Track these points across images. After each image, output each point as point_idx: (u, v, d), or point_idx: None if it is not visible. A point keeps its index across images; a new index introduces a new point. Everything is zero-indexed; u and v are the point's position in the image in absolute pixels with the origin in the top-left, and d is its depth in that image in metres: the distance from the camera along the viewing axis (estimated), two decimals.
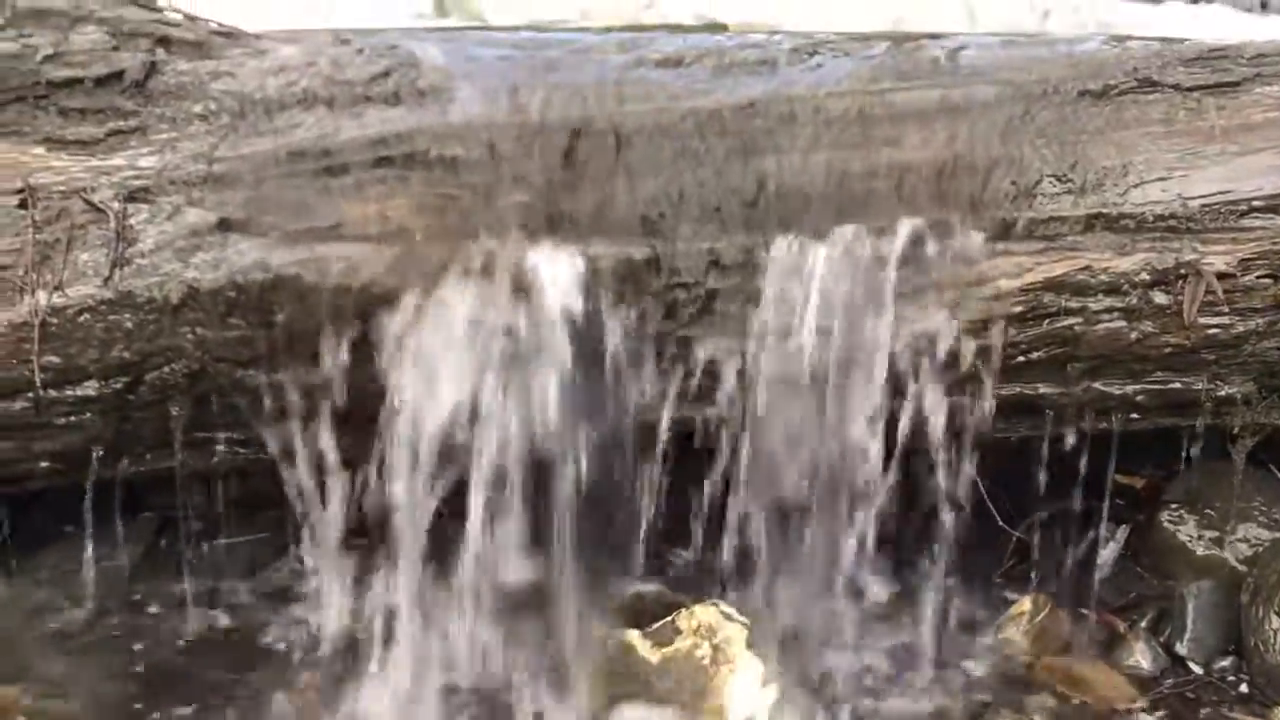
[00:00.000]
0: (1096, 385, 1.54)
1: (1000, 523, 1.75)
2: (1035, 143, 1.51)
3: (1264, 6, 3.00)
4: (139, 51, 1.69)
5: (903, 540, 1.67)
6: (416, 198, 1.55)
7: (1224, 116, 1.50)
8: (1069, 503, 1.71)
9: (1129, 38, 1.63)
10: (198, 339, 1.52)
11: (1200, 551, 1.73)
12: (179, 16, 1.84)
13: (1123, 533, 1.80)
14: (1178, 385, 1.54)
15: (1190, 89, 1.53)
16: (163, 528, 1.91)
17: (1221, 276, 1.45)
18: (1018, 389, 1.55)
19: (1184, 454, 1.64)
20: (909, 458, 1.56)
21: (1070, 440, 1.62)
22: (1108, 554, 1.78)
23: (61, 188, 1.58)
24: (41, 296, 1.51)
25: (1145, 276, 1.46)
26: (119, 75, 1.66)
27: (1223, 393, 1.54)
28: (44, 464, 1.64)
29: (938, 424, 1.51)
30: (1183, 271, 1.45)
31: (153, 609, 1.78)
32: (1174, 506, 1.79)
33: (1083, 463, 1.64)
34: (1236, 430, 1.58)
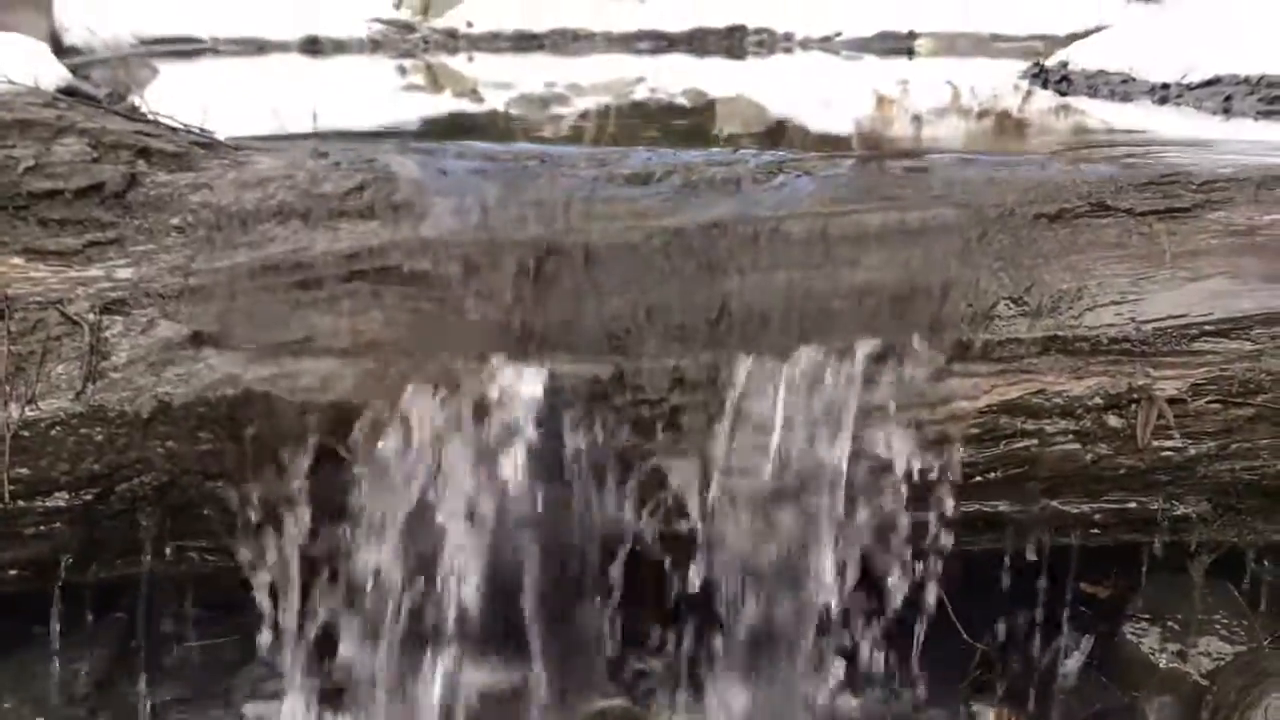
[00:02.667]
0: (1054, 504, 1.56)
1: (965, 635, 1.76)
2: (992, 265, 1.54)
3: (1227, 111, 3.07)
4: (119, 164, 1.73)
5: (866, 652, 1.67)
6: (388, 312, 1.58)
7: (1175, 242, 1.54)
8: (1033, 612, 1.72)
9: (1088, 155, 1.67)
10: (168, 452, 1.54)
11: (1164, 664, 1.74)
12: (161, 127, 1.89)
13: (1087, 643, 1.81)
14: (1134, 505, 1.56)
15: (1143, 214, 1.57)
16: (132, 630, 1.91)
17: (1173, 402, 1.47)
18: (977, 506, 1.57)
19: (1143, 569, 1.66)
20: (870, 572, 1.58)
21: (1032, 552, 1.64)
22: (1072, 665, 1.79)
23: (39, 299, 1.61)
24: (14, 409, 1.53)
25: (1099, 400, 1.48)
26: (99, 187, 1.69)
27: (1179, 512, 1.56)
28: (12, 571, 1.65)
29: (898, 540, 1.53)
30: (1135, 396, 1.47)
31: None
32: (1137, 618, 1.80)
33: (1046, 573, 1.66)
34: (1194, 548, 1.60)
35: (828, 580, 1.52)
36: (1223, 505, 1.57)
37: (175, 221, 1.68)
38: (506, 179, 1.74)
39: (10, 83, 1.91)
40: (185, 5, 8.13)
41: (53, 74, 2.07)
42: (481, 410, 1.51)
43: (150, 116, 1.94)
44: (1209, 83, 3.25)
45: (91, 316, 1.59)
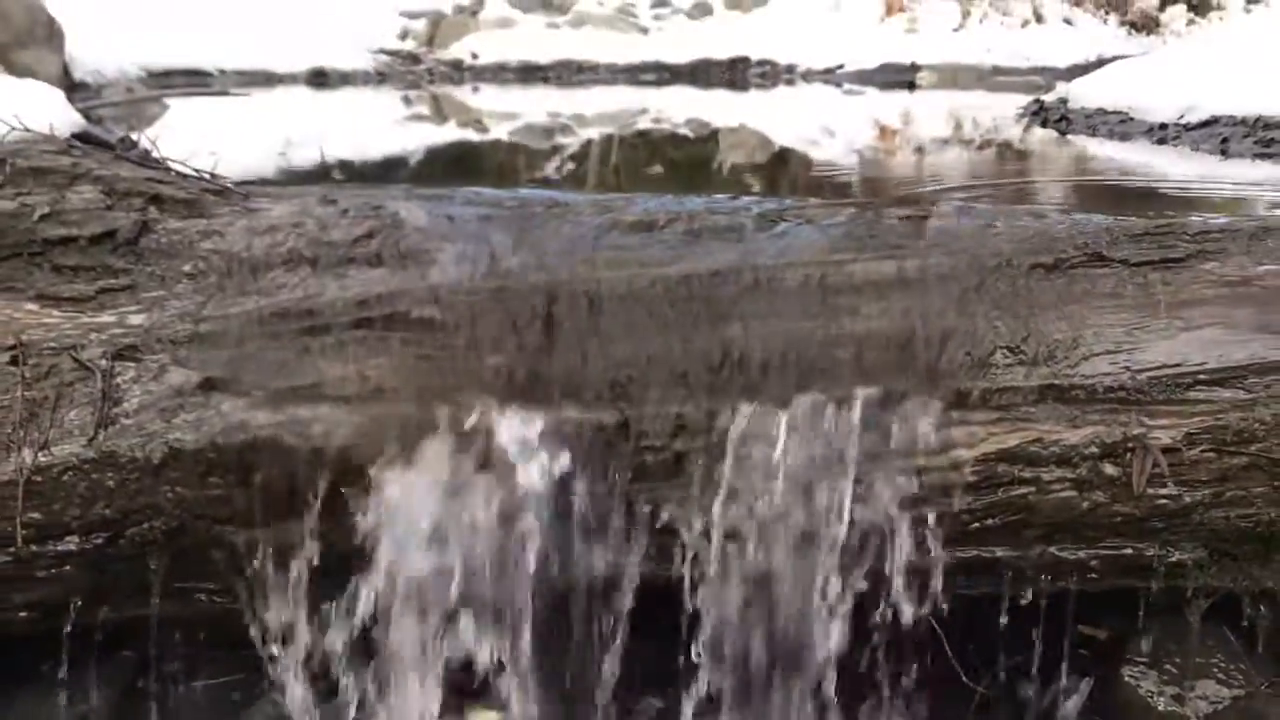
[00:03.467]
0: (1051, 550, 1.58)
1: (963, 677, 1.77)
2: (990, 315, 1.57)
3: (1224, 153, 3.11)
4: (132, 211, 1.76)
5: (866, 692, 1.69)
6: (395, 358, 1.61)
7: (1169, 292, 1.57)
8: (1032, 654, 1.74)
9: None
10: (177, 497, 1.56)
11: (1162, 708, 1.76)
12: (172, 174, 1.93)
13: (1086, 686, 1.82)
14: (1130, 551, 1.58)
15: (1138, 264, 1.59)
16: (141, 669, 1.92)
17: (1168, 450, 1.50)
18: (975, 552, 1.59)
19: (1141, 613, 1.67)
20: (870, 615, 1.59)
21: (1031, 595, 1.66)
22: (1071, 707, 1.80)
23: (52, 344, 1.64)
24: (27, 455, 1.56)
25: (1095, 449, 1.51)
26: (112, 234, 1.73)
27: (1174, 558, 1.58)
28: (23, 613, 1.67)
29: (897, 585, 1.55)
30: (1130, 445, 1.50)
31: None
32: (1136, 661, 1.81)
33: (1044, 615, 1.68)
34: (1190, 593, 1.61)
35: (828, 622, 1.54)
36: (1218, 551, 1.59)
37: (187, 268, 1.71)
38: (513, 226, 1.77)
39: (26, 130, 1.95)
40: (192, 38, 8.22)
41: (67, 119, 2.10)
42: (487, 457, 1.53)
43: (162, 162, 1.97)
44: (1206, 123, 3.28)
45: (104, 362, 1.62)
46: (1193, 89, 3.59)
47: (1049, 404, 1.53)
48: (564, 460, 1.53)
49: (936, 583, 1.56)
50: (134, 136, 2.08)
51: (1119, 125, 3.63)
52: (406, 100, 8.49)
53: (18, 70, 4.68)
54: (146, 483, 1.55)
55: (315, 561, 1.58)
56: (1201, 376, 1.53)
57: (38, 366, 1.62)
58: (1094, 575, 1.62)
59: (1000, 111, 6.05)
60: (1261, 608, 1.63)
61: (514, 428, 1.54)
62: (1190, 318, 1.56)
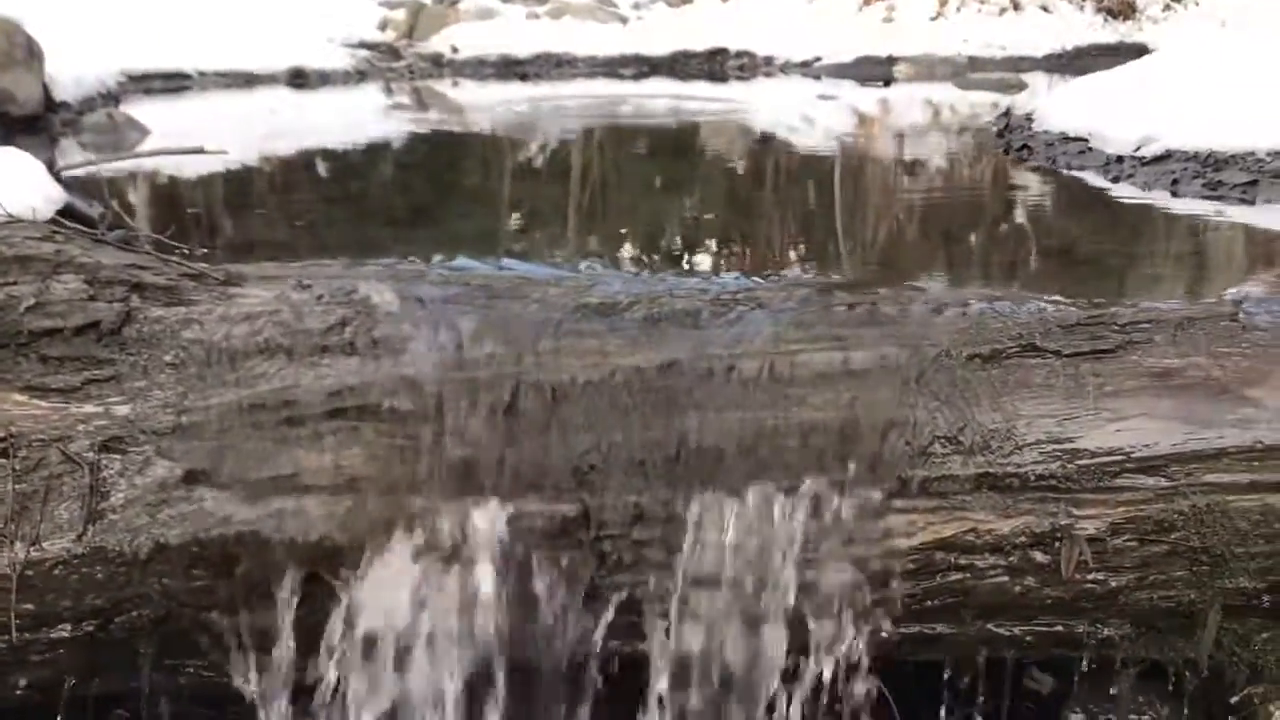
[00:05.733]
0: (989, 627, 1.68)
1: None
2: (929, 405, 1.66)
3: (1175, 194, 3.18)
4: (114, 301, 1.83)
5: None
6: (368, 449, 1.69)
7: (1098, 382, 1.66)
8: (974, 707, 1.84)
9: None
10: (164, 588, 1.65)
11: None
12: (152, 258, 2.00)
13: None
14: (1061, 628, 1.68)
15: (1070, 355, 1.69)
16: None
17: (1093, 540, 1.59)
18: (917, 628, 1.69)
19: (1075, 676, 1.78)
20: (819, 684, 1.69)
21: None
22: None
23: (41, 436, 1.71)
24: (19, 550, 1.64)
25: (1025, 539, 1.60)
26: (96, 325, 1.80)
27: (1103, 634, 1.68)
28: (18, 691, 1.76)
29: (841, 664, 1.65)
30: (1058, 535, 1.59)
31: None
32: (1077, 711, 1.91)
33: (987, 675, 1.78)
34: (1119, 664, 1.72)
35: (777, 694, 1.64)
36: (1144, 626, 1.69)
37: (168, 358, 1.78)
38: (480, 311, 1.85)
39: (9, 216, 2.02)
40: (170, 40, 8.23)
41: (48, 194, 2.17)
42: (454, 548, 1.62)
43: (141, 246, 2.05)
44: (1160, 158, 3.31)
45: (91, 455, 1.70)
46: (1153, 117, 3.63)
47: (984, 493, 1.62)
48: (526, 550, 1.62)
49: (879, 658, 1.66)
50: (114, 206, 2.14)
51: (1077, 156, 3.67)
52: (388, 89, 8.54)
53: None
54: (134, 575, 1.63)
55: (293, 643, 1.66)
56: (1129, 465, 1.63)
57: (27, 459, 1.70)
58: (1029, 647, 1.72)
59: (970, 115, 6.14)
60: (1188, 673, 1.73)
61: (477, 520, 1.62)
62: (1118, 408, 1.65)
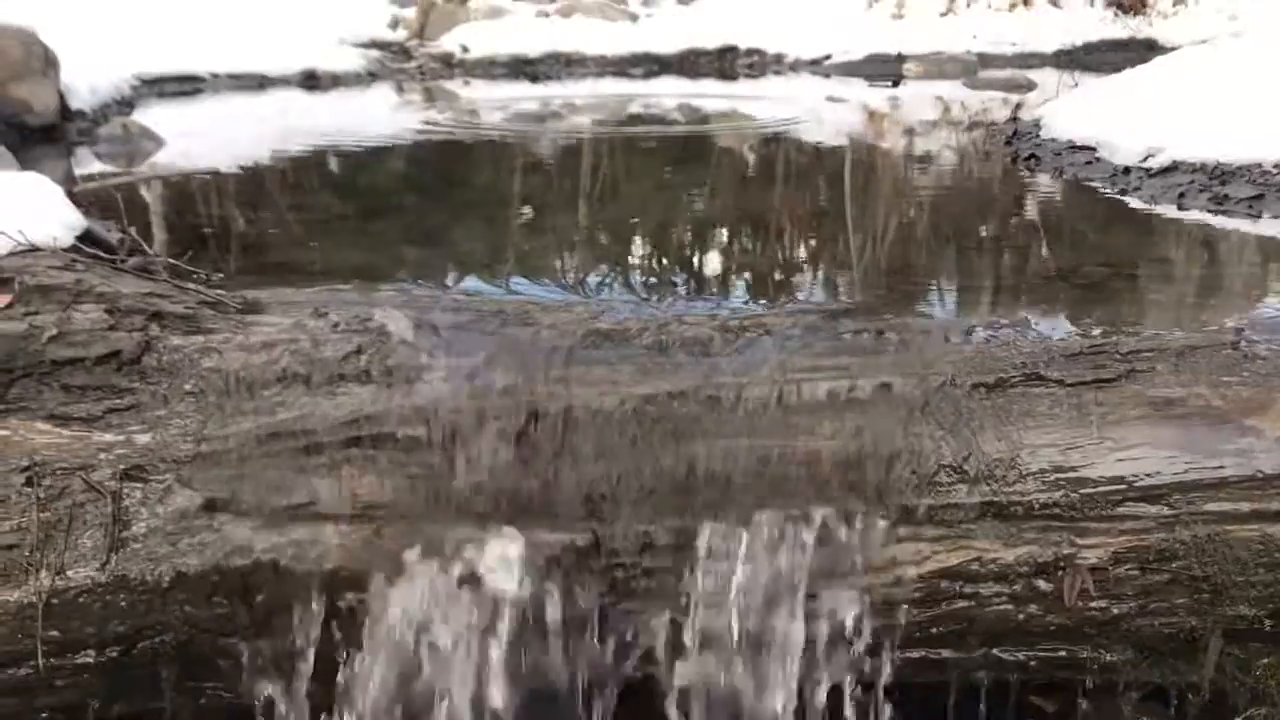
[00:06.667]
0: (994, 652, 1.71)
1: None
2: (935, 434, 1.69)
3: (1181, 207, 3.19)
4: (134, 330, 1.87)
5: None
6: (383, 478, 1.73)
7: (1101, 411, 1.69)
8: None
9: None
10: (185, 615, 1.69)
11: None
12: (170, 286, 2.04)
13: None
14: (1064, 653, 1.71)
15: (1073, 384, 1.71)
16: None
17: (1095, 569, 1.62)
18: (923, 653, 1.72)
19: (1078, 698, 1.81)
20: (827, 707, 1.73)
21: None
22: None
23: (64, 465, 1.75)
24: (45, 579, 1.68)
25: (1028, 568, 1.63)
26: (116, 354, 1.84)
27: (1106, 659, 1.71)
28: (44, 715, 1.80)
29: (849, 685, 1.68)
30: (1061, 564, 1.62)
31: None
32: None
33: (996, 690, 1.81)
34: (1122, 687, 1.75)
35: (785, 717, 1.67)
36: (1146, 651, 1.72)
37: (188, 387, 1.81)
38: (493, 338, 1.88)
39: (31, 245, 2.06)
40: (184, 43, 8.27)
41: (66, 220, 2.21)
42: (469, 576, 1.66)
43: (159, 272, 2.09)
44: (1167, 170, 3.30)
45: (113, 484, 1.73)
46: (1160, 126, 3.63)
47: (988, 521, 1.65)
48: (539, 578, 1.66)
49: (886, 683, 1.69)
50: (134, 243, 2.19)
51: (1085, 166, 3.67)
52: (399, 87, 8.58)
53: (14, 103, 4.76)
54: (156, 603, 1.67)
55: (312, 669, 1.70)
56: (1130, 494, 1.65)
57: (51, 488, 1.74)
58: (1034, 670, 1.75)
59: (977, 118, 6.14)
60: (1189, 696, 1.76)
61: (491, 549, 1.66)
62: (1120, 436, 1.68)
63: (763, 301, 2.20)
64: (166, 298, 1.98)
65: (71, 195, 2.31)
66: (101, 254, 2.13)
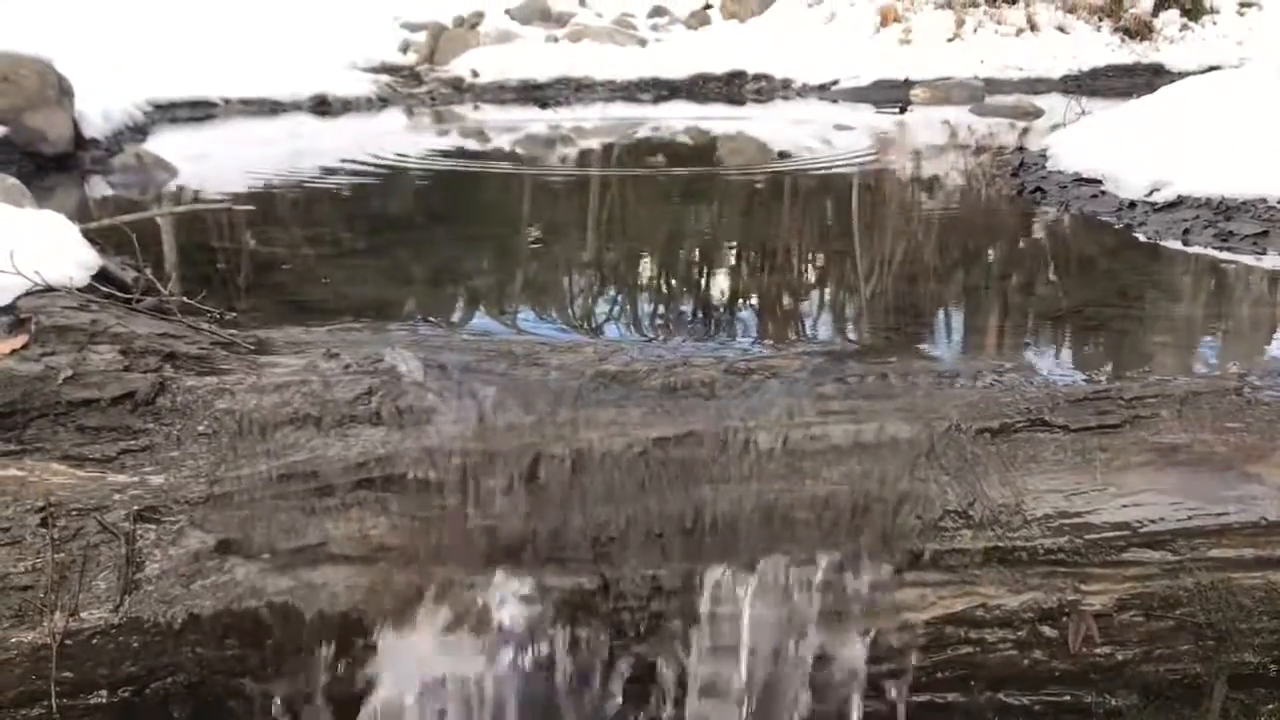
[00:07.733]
0: (999, 696, 1.72)
1: None
2: (940, 479, 1.70)
3: (1186, 244, 3.19)
4: (148, 371, 1.90)
5: None
6: (393, 519, 1.74)
7: (1105, 457, 1.70)
8: None
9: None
10: (197, 657, 1.71)
11: None
12: (184, 326, 2.07)
13: None
14: (1069, 698, 1.72)
15: (1077, 430, 1.72)
16: None
17: (1099, 615, 1.63)
18: (929, 697, 1.73)
19: None
20: None
21: None
22: None
23: (78, 506, 1.77)
24: (59, 620, 1.70)
25: (1032, 614, 1.64)
26: (131, 395, 1.86)
27: (1111, 704, 1.72)
28: None
29: None
30: (1065, 610, 1.63)
31: None
32: None
33: None
34: None
35: None
36: (1152, 696, 1.72)
37: (201, 428, 1.84)
38: (502, 380, 1.90)
39: (47, 285, 2.09)
40: (196, 69, 8.34)
41: (81, 259, 2.24)
42: (479, 619, 1.67)
43: (173, 312, 2.11)
44: (1173, 205, 3.31)
45: (127, 525, 1.75)
46: (1165, 159, 3.64)
47: (993, 566, 1.66)
48: (547, 620, 1.67)
49: None
50: (148, 279, 2.21)
51: (1090, 200, 3.68)
52: (409, 111, 8.65)
53: (29, 132, 4.80)
54: (169, 644, 1.69)
55: (323, 710, 1.72)
56: (1135, 541, 1.66)
57: (65, 529, 1.76)
58: (1039, 716, 1.76)
59: (984, 146, 6.16)
60: None
61: (500, 592, 1.67)
62: (1124, 482, 1.69)
63: (769, 342, 2.22)
64: (180, 338, 2.01)
65: (86, 233, 2.34)
66: (117, 293, 2.16)
